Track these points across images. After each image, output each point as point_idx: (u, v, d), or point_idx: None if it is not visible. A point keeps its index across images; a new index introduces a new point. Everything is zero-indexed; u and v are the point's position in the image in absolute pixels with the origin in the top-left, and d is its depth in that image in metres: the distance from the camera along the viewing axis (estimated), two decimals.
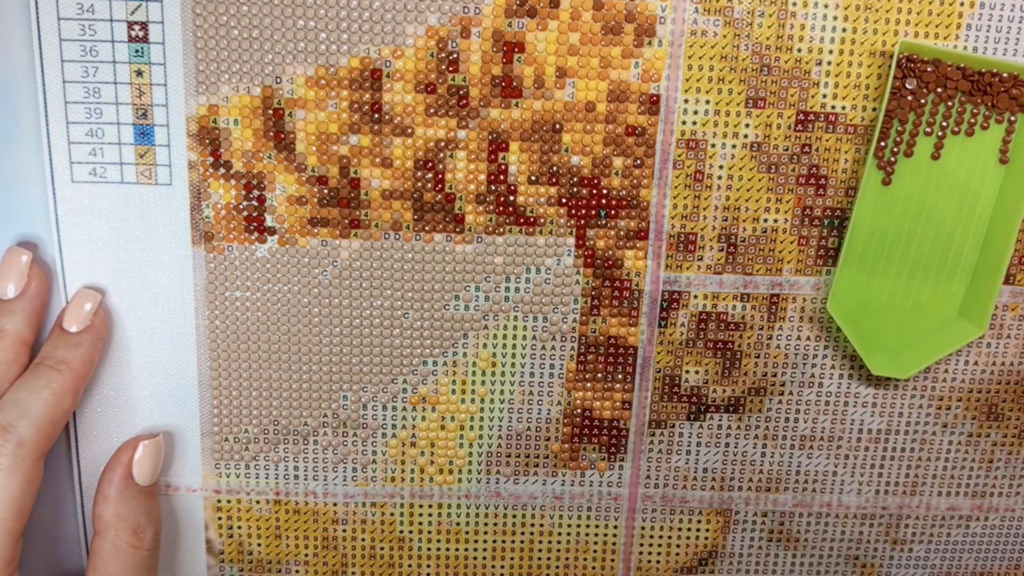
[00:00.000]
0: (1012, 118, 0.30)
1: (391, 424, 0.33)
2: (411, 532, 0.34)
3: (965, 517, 0.35)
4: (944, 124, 0.30)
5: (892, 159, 0.31)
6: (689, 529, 0.35)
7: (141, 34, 0.29)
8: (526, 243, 0.31)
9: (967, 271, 0.32)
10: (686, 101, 0.30)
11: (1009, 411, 0.34)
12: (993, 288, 0.31)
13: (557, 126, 0.30)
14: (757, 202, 0.31)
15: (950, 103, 0.30)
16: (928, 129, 0.30)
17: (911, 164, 0.31)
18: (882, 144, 0.31)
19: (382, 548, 0.34)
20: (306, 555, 0.34)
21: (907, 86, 0.30)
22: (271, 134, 0.30)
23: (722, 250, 0.32)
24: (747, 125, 0.31)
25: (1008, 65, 0.30)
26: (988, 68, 0.30)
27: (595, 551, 0.35)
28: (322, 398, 0.33)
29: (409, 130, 0.30)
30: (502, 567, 0.35)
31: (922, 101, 0.30)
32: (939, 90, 0.30)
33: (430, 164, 0.30)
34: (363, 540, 0.34)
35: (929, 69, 0.30)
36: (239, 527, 0.34)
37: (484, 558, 0.35)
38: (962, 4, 0.30)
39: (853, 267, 0.32)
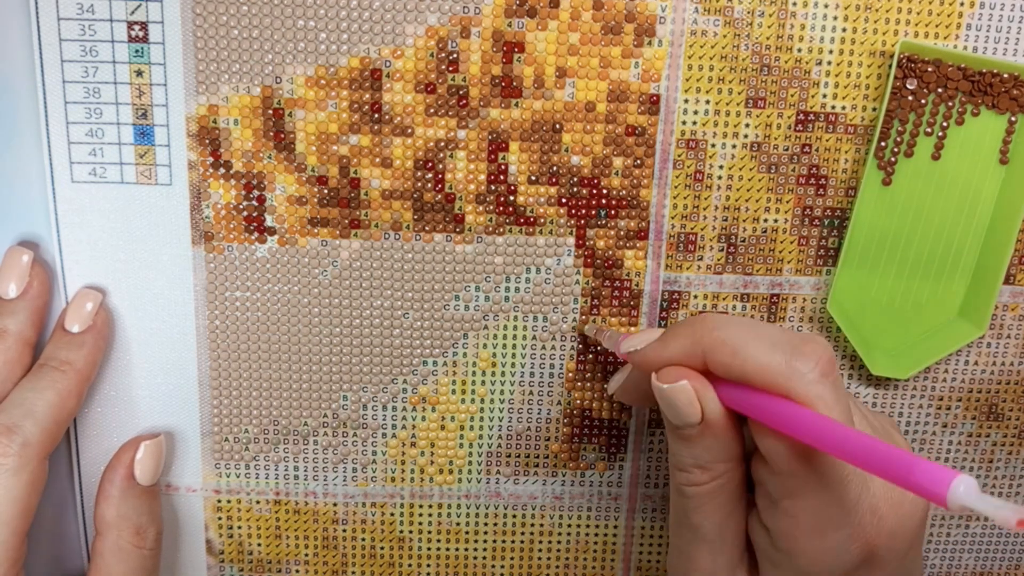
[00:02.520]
0: (1012, 118, 0.30)
1: (391, 424, 0.33)
2: (411, 532, 0.34)
3: (965, 517, 0.35)
4: (945, 124, 0.30)
5: (892, 159, 0.31)
6: None
7: (141, 34, 0.29)
8: (526, 243, 0.31)
9: (967, 271, 0.32)
10: (686, 101, 0.30)
11: (1009, 411, 0.34)
12: (993, 289, 0.31)
13: (557, 126, 0.30)
14: (757, 202, 0.31)
15: (951, 103, 0.30)
16: (928, 129, 0.30)
17: (911, 164, 0.31)
18: (882, 144, 0.31)
19: (382, 548, 0.34)
20: (306, 555, 0.34)
21: (908, 86, 0.30)
22: (271, 134, 0.30)
23: (722, 250, 0.32)
24: (747, 125, 0.31)
25: (1009, 65, 0.30)
26: (989, 68, 0.30)
27: (595, 551, 0.35)
28: (322, 398, 0.33)
29: (409, 130, 0.30)
30: (502, 567, 0.35)
31: (923, 101, 0.30)
32: (940, 90, 0.30)
33: (430, 164, 0.30)
34: (363, 540, 0.34)
35: (930, 69, 0.30)
36: (239, 527, 0.34)
37: (484, 558, 0.35)
38: (962, 4, 0.30)
39: (853, 267, 0.32)
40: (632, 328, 0.32)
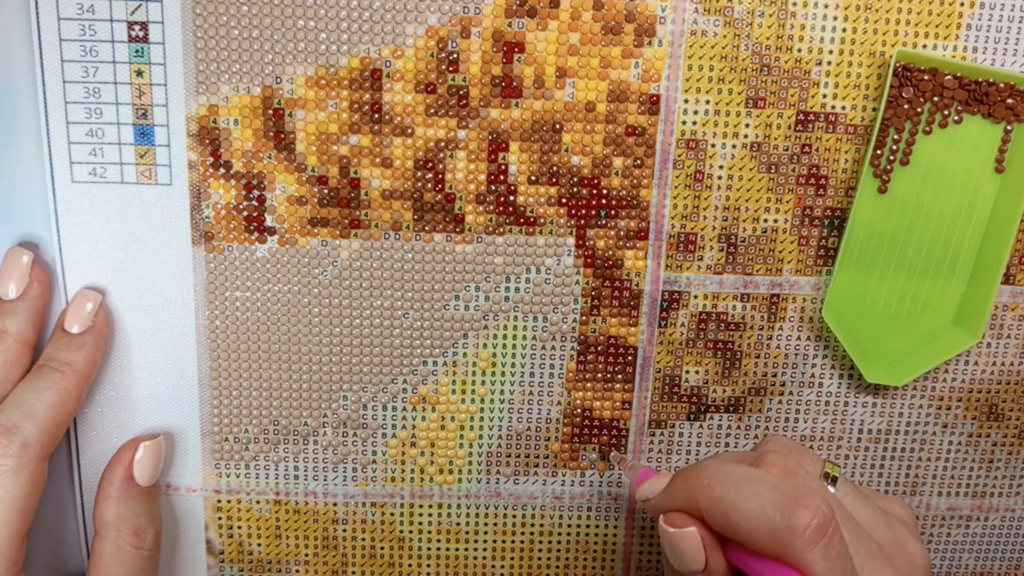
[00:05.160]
0: (1008, 127, 0.30)
1: (391, 424, 0.33)
2: (411, 532, 0.34)
3: (965, 517, 0.35)
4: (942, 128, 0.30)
5: (888, 167, 0.31)
6: None
7: (141, 34, 0.29)
8: (526, 243, 0.31)
9: (963, 278, 0.32)
10: (686, 101, 0.30)
11: (1009, 411, 0.34)
12: (988, 296, 0.31)
13: (557, 126, 0.30)
14: (757, 202, 0.31)
15: (946, 112, 0.30)
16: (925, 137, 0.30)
17: (907, 172, 0.31)
18: (878, 152, 0.30)
19: (382, 548, 0.34)
20: (306, 555, 0.34)
21: (904, 95, 0.30)
22: (271, 134, 0.30)
23: (722, 250, 0.32)
24: (747, 125, 0.31)
25: (1005, 75, 0.30)
26: (985, 78, 0.30)
27: (595, 551, 0.35)
28: (322, 398, 0.33)
29: (409, 130, 0.30)
30: (502, 567, 0.35)
31: (918, 110, 0.30)
32: (936, 99, 0.30)
33: (430, 164, 0.30)
34: (363, 540, 0.34)
35: (926, 78, 0.30)
36: (239, 527, 0.34)
37: (484, 558, 0.35)
38: (962, 4, 0.30)
39: (849, 274, 0.32)
40: (633, 329, 0.32)
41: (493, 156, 0.31)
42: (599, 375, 0.33)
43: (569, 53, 0.30)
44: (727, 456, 0.27)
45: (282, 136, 0.30)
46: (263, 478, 0.33)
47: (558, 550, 0.35)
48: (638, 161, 0.31)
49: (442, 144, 0.30)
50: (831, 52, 0.30)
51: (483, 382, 0.33)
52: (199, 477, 0.33)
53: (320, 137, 0.30)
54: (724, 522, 0.23)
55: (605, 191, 0.31)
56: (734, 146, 0.31)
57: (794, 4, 0.29)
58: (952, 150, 0.31)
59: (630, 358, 0.33)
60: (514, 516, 0.34)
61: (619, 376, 0.33)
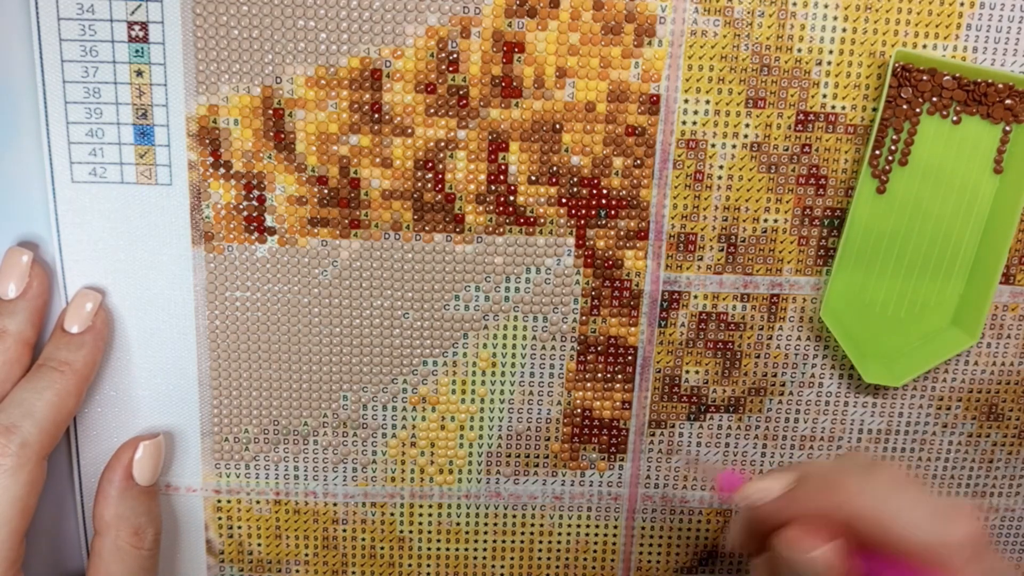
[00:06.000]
0: (1007, 128, 0.30)
1: (391, 424, 0.33)
2: (411, 532, 0.34)
3: None
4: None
5: (887, 167, 0.31)
6: (689, 529, 0.35)
7: (141, 34, 0.29)
8: (526, 243, 0.31)
9: (961, 279, 0.32)
10: (686, 101, 0.30)
11: (1009, 411, 0.34)
12: (987, 296, 0.31)
13: (557, 126, 0.30)
14: (757, 202, 0.31)
15: (945, 112, 0.30)
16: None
17: (906, 173, 0.31)
18: (877, 153, 0.30)
19: (382, 548, 0.34)
20: (306, 555, 0.34)
21: (902, 95, 0.30)
22: (271, 134, 0.30)
23: (722, 250, 0.32)
24: (747, 125, 0.31)
25: (1004, 76, 0.30)
26: (984, 78, 0.30)
27: (595, 551, 0.35)
28: (322, 398, 0.33)
29: (409, 130, 0.30)
30: (502, 567, 0.35)
31: (917, 110, 0.30)
32: (934, 99, 0.30)
33: (430, 164, 0.30)
34: (363, 540, 0.34)
35: (924, 78, 0.30)
36: (239, 527, 0.34)
37: (484, 558, 0.35)
38: (962, 4, 0.30)
39: (847, 274, 0.32)
40: (633, 329, 0.32)
41: (493, 156, 0.31)
42: (599, 375, 0.33)
43: (569, 53, 0.30)
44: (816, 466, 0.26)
45: (282, 136, 0.30)
46: (263, 478, 0.33)
47: (558, 550, 0.35)
48: (638, 161, 0.31)
49: (442, 144, 0.30)
50: (831, 52, 0.30)
51: (483, 382, 0.33)
52: (199, 477, 0.33)
53: (320, 137, 0.30)
54: (876, 532, 0.22)
55: (605, 191, 0.31)
56: (734, 146, 0.31)
57: (794, 4, 0.30)
58: (951, 151, 0.31)
59: (630, 358, 0.33)
60: (514, 516, 0.34)
61: (619, 376, 0.33)
